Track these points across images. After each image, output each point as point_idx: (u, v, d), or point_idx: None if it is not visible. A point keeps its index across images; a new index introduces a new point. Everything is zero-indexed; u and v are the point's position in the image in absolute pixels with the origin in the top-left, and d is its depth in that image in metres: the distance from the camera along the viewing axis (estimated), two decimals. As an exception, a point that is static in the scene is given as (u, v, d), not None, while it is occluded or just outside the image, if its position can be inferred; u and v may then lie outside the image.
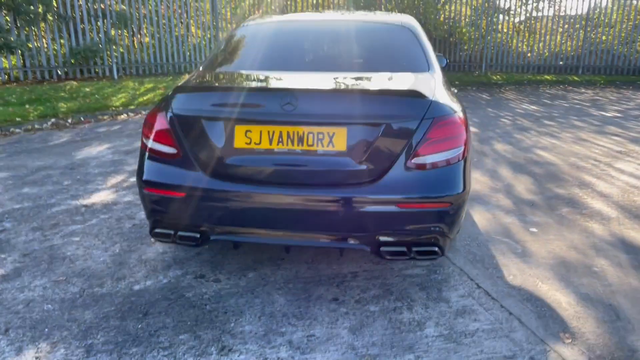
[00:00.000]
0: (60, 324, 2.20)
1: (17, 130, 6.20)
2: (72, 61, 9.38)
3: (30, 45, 8.90)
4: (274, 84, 2.48)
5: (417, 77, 2.56)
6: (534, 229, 3.31)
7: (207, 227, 2.24)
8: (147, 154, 2.32)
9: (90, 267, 2.73)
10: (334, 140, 2.13)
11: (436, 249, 2.21)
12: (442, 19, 12.79)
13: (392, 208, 2.11)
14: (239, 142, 2.17)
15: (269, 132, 2.15)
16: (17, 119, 6.42)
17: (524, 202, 3.83)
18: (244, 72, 2.74)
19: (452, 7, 13.04)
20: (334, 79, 2.46)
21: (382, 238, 2.17)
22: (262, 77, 2.55)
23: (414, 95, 2.21)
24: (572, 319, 2.28)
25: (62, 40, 9.35)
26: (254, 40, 3.11)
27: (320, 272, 2.69)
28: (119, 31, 10.04)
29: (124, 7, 9.99)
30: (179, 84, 2.46)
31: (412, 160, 2.13)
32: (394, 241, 2.18)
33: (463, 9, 13.25)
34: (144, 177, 2.30)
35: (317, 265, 2.76)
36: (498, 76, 13.09)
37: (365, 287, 2.54)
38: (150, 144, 2.31)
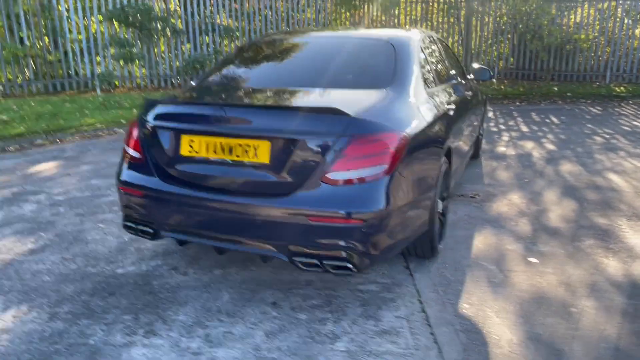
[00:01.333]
0: (46, 293, 2.67)
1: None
2: (187, 70, 10.61)
3: (151, 57, 10.27)
4: (216, 99, 2.71)
5: (364, 93, 2.58)
6: (533, 259, 3.04)
7: (157, 224, 2.54)
8: (124, 157, 2.71)
9: (98, 250, 3.21)
10: (258, 153, 2.27)
11: (349, 265, 2.22)
12: (559, 25, 11.72)
13: (304, 220, 2.18)
14: (184, 150, 2.44)
15: (206, 142, 2.38)
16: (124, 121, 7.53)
17: (546, 230, 3.49)
18: (212, 86, 3.04)
19: (573, 12, 11.88)
20: (281, 94, 2.63)
21: (296, 248, 2.25)
22: (217, 92, 2.79)
23: (332, 112, 2.24)
24: (499, 357, 2.11)
25: (176, 52, 10.61)
26: (244, 57, 3.35)
27: (279, 276, 2.83)
28: (225, 42, 11.07)
29: (231, 22, 10.99)
30: (148, 97, 2.83)
31: (327, 176, 2.18)
32: (307, 253, 2.24)
33: (585, 12, 11.99)
34: (119, 177, 2.68)
35: (280, 271, 2.89)
36: (623, 88, 11.58)
37: (309, 296, 2.61)
38: (126, 148, 2.69)
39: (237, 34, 11.09)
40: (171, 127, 2.47)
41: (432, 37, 3.81)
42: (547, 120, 8.25)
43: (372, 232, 2.19)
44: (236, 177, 2.34)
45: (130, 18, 9.59)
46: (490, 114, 8.97)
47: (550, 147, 6.24)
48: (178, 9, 10.61)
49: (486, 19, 12.55)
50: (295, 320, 2.40)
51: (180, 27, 10.50)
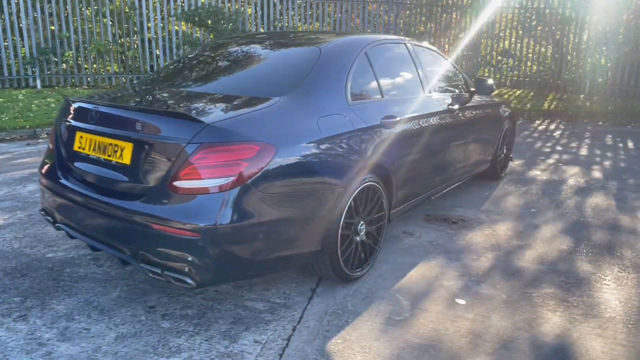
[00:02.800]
0: (-26, 267, 2.92)
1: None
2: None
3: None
4: (109, 98, 2.75)
5: (249, 100, 2.45)
6: (461, 301, 2.66)
7: (54, 215, 2.64)
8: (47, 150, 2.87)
9: (48, 234, 3.43)
10: (123, 154, 2.26)
11: (187, 279, 2.11)
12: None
13: (149, 227, 2.12)
14: (76, 146, 2.51)
15: (89, 140, 2.42)
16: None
17: (506, 270, 3.04)
18: (132, 86, 3.12)
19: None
20: (171, 97, 2.62)
21: (144, 255, 2.19)
22: (123, 92, 2.81)
23: (185, 118, 2.14)
24: (325, 405, 1.87)
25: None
26: (185, 60, 3.33)
27: (180, 281, 2.79)
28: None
29: (300, 24, 11.14)
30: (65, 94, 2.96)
31: (173, 183, 2.10)
32: (152, 260, 2.17)
33: None
34: (40, 167, 2.84)
35: (187, 275, 2.85)
36: None
37: (190, 305, 2.54)
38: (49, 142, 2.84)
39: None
40: (69, 123, 2.55)
41: (407, 44, 3.50)
42: (620, 145, 7.20)
43: (212, 248, 2.06)
44: (105, 176, 2.36)
45: (202, 19, 10.15)
46: (557, 133, 8.07)
47: (597, 175, 5.42)
48: (249, 10, 11.01)
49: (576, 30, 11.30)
50: (156, 327, 2.35)
51: (249, 27, 10.89)
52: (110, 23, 10.18)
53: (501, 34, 12.03)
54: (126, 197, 2.24)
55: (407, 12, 11.82)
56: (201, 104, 2.45)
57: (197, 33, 10.63)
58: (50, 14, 9.76)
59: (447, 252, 3.28)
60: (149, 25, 10.32)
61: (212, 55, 3.16)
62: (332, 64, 2.73)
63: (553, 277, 2.96)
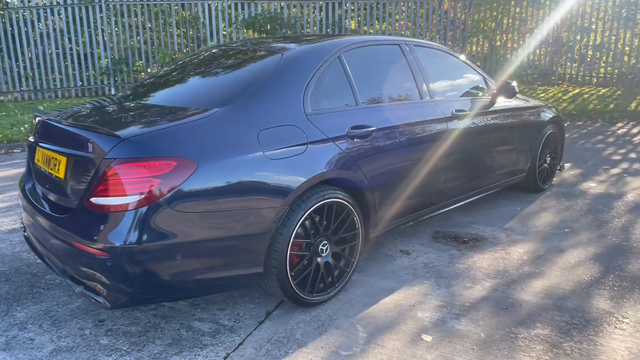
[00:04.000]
0: (-28, 269, 3.12)
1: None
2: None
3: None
4: (63, 113, 2.72)
5: (183, 112, 2.33)
6: (427, 337, 2.33)
7: (23, 224, 2.72)
8: None
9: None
10: (59, 168, 2.25)
11: (101, 299, 2.03)
12: None
13: (70, 244, 2.08)
14: (35, 159, 2.56)
15: (41, 153, 2.45)
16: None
17: (501, 302, 2.63)
18: (103, 99, 3.13)
19: None
20: (114, 110, 2.59)
21: (70, 271, 2.15)
22: (87, 106, 2.81)
23: (104, 133, 2.06)
24: None
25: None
26: (164, 70, 3.27)
27: (143, 294, 2.75)
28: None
29: (359, 27, 10.91)
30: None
31: (90, 199, 2.03)
32: (73, 277, 2.13)
33: None
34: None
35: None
36: None
37: (137, 322, 2.48)
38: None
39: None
40: (33, 137, 2.62)
41: (403, 45, 3.17)
42: None
43: (122, 268, 1.97)
44: (48, 190, 2.37)
45: (261, 25, 10.32)
46: (637, 139, 7.05)
47: (666, 189, 4.61)
48: (308, 13, 10.98)
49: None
50: (94, 343, 2.32)
51: (308, 30, 10.86)
52: (177, 33, 10.70)
53: (592, 26, 10.82)
54: (59, 212, 2.24)
55: (477, 8, 11.08)
56: (136, 117, 2.38)
57: (257, 39, 10.83)
58: (124, 27, 10.48)
59: (440, 276, 2.92)
60: (212, 33, 10.69)
61: (183, 65, 3.09)
62: (289, 72, 2.52)
63: (554, 315, 2.50)
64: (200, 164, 2.03)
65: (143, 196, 1.95)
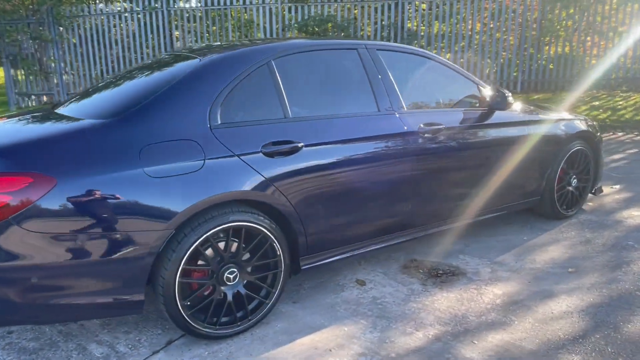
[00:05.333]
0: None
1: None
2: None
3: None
4: None
5: (56, 125, 2.23)
6: (322, 393, 1.98)
7: None
8: None
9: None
10: None
11: None
12: None
13: None
14: None
15: None
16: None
17: (432, 358, 2.19)
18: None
19: None
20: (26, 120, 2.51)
21: None
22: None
23: None
24: None
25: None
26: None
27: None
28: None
29: (417, 26, 10.34)
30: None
31: None
32: None
33: None
34: None
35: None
36: None
37: (43, 338, 2.40)
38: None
39: (422, 41, 10.38)
40: None
41: (361, 50, 2.78)
42: None
43: None
44: None
45: (312, 28, 10.18)
46: None
47: None
48: (372, 14, 10.64)
49: None
50: (-13, 357, 2.27)
51: (362, 33, 10.52)
52: (232, 37, 10.90)
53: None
54: None
55: (552, 4, 9.99)
56: (21, 129, 2.29)
57: (310, 42, 10.71)
58: (189, 32, 10.89)
59: (382, 316, 2.53)
60: (266, 36, 10.74)
61: (130, 71, 2.95)
62: (198, 81, 2.29)
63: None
64: (60, 181, 1.89)
65: None
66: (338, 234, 2.62)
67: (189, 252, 2.14)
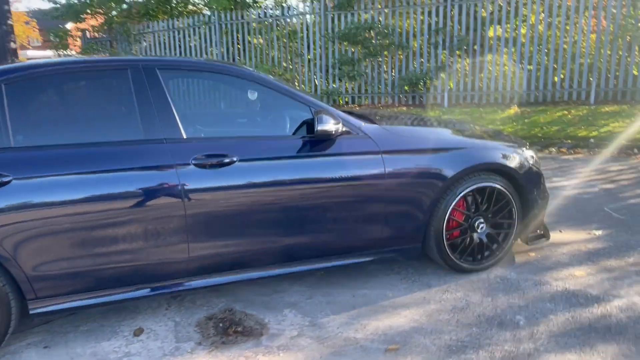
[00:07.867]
0: None
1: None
2: (406, 88, 9.85)
3: (369, 74, 10.12)
4: None
5: None
6: None
7: None
8: None
9: None
10: None
11: None
12: None
13: None
14: None
15: None
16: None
17: None
18: None
19: None
20: None
21: None
22: None
23: None
24: None
25: (393, 70, 9.96)
26: None
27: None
28: (458, 54, 9.44)
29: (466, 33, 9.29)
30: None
31: None
32: None
33: None
34: None
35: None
36: None
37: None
38: None
39: (475, 46, 9.29)
40: None
41: (132, 68, 2.39)
42: None
43: None
44: None
45: (354, 36, 9.78)
46: None
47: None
48: (407, 22, 9.87)
49: None
50: None
51: (406, 42, 9.77)
52: (277, 48, 10.89)
53: None
54: None
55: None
56: None
57: (352, 50, 10.24)
58: (236, 46, 11.18)
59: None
60: (309, 46, 10.55)
61: None
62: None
63: None
64: None
65: None
66: (78, 280, 2.32)
67: None
